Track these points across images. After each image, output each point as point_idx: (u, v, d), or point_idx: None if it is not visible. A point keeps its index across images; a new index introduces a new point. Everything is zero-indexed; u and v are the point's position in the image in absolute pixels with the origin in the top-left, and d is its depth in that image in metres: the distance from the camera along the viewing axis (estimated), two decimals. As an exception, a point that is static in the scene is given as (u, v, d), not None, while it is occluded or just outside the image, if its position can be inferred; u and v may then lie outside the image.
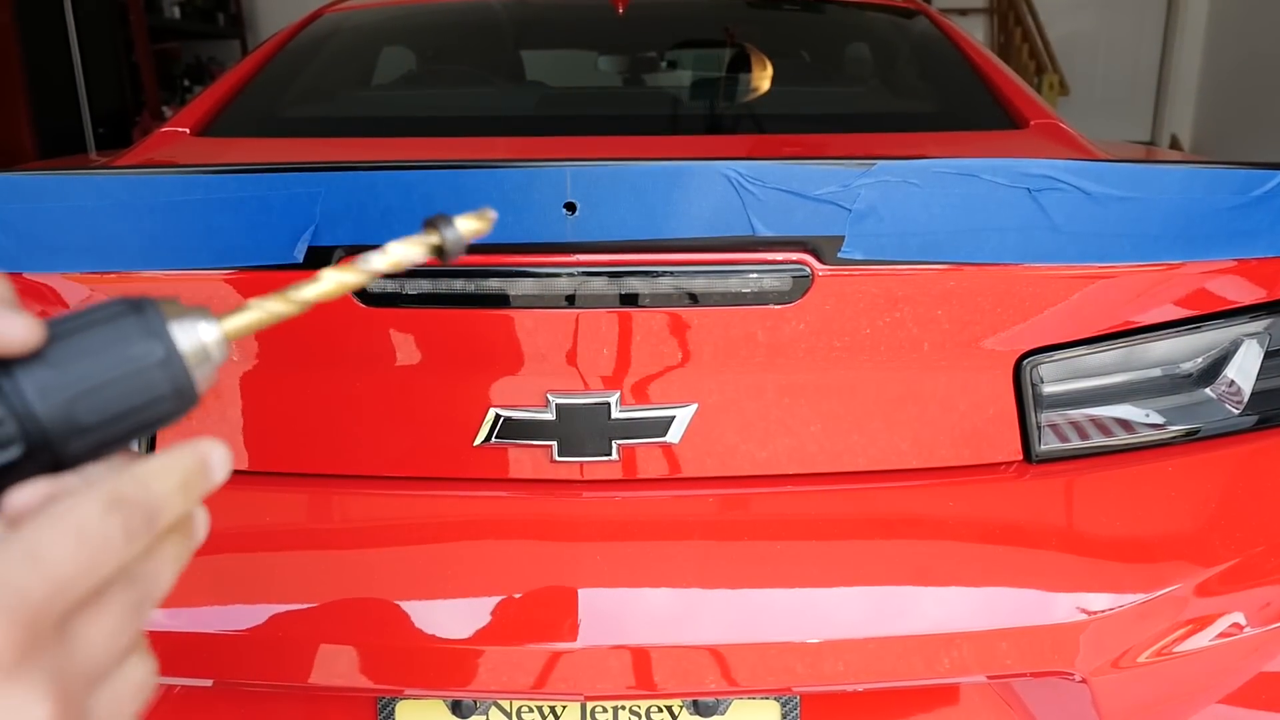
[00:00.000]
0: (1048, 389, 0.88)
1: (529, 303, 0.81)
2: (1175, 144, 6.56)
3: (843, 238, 0.79)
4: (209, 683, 0.84)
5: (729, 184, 0.77)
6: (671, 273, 0.80)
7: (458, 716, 0.86)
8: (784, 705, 0.87)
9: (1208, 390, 0.90)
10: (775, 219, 0.78)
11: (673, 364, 0.84)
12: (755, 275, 0.81)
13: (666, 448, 0.86)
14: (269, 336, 0.86)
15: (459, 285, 0.81)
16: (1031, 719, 0.87)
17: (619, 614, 0.81)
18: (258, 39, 6.84)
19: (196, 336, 0.33)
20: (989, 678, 0.84)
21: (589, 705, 0.87)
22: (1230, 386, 0.89)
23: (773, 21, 2.02)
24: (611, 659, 0.80)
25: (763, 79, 1.72)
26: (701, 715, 0.86)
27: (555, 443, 0.84)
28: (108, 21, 5.58)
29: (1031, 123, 1.43)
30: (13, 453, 0.30)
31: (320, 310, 0.72)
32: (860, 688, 0.83)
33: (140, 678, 0.32)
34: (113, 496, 0.30)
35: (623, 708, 0.87)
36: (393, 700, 0.87)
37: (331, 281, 0.36)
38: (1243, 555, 0.86)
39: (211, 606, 0.82)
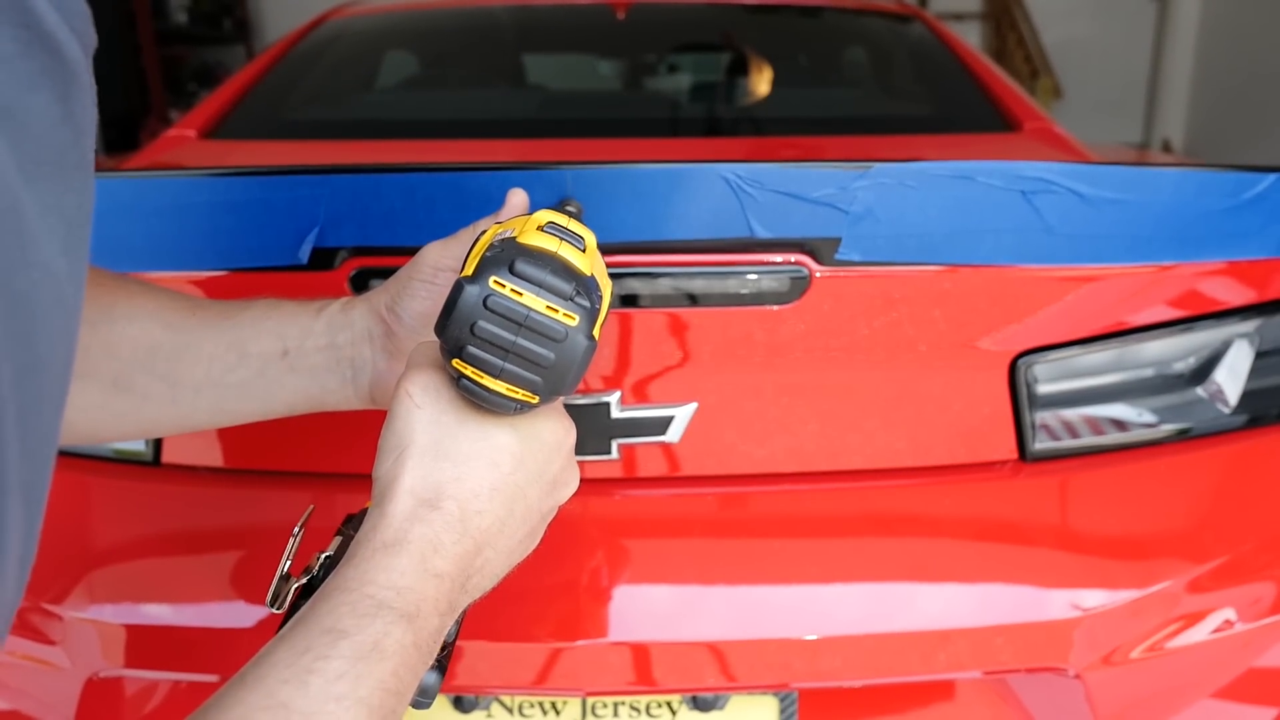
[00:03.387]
0: (1042, 389, 0.89)
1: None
2: (1167, 147, 6.57)
3: (840, 239, 0.80)
4: (215, 678, 0.85)
5: (728, 186, 0.78)
6: (671, 274, 0.81)
7: (460, 711, 0.87)
8: (782, 701, 0.88)
9: (1199, 390, 0.91)
10: (773, 221, 0.79)
11: (672, 364, 0.85)
12: (754, 276, 0.82)
13: (666, 447, 0.87)
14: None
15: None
16: (1027, 714, 0.88)
17: (619, 610, 0.82)
18: (263, 44, 6.86)
19: None
20: (984, 673, 0.85)
21: (590, 700, 0.88)
22: (1221, 386, 0.90)
23: (771, 27, 2.03)
24: (612, 655, 0.81)
25: (761, 83, 1.74)
26: (701, 711, 0.87)
27: (556, 441, 0.85)
28: (115, 27, 5.60)
29: (1026, 126, 1.44)
30: None
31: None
32: (858, 684, 0.84)
33: None
34: None
35: (623, 703, 0.88)
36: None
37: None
38: (1233, 552, 0.87)
39: (218, 603, 0.83)
